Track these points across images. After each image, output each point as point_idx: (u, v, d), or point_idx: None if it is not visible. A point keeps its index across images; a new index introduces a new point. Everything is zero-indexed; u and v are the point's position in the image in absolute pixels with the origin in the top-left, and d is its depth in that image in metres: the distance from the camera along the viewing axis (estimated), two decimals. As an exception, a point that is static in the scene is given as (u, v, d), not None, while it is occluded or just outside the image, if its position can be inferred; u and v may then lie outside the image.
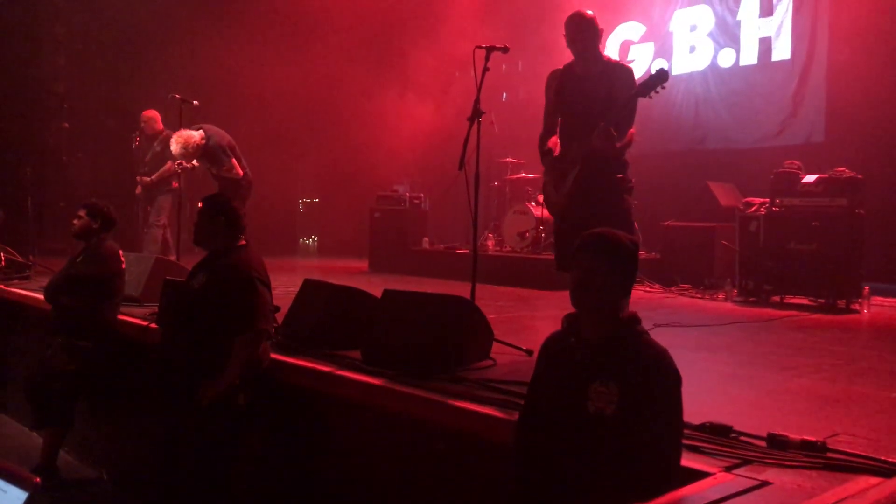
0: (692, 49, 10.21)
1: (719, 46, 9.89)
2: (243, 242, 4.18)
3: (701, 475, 2.34)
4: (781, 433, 2.57)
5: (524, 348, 4.14)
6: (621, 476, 2.22)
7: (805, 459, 2.44)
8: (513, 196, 9.96)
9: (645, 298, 7.43)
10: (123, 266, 5.38)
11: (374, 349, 3.95)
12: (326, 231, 15.69)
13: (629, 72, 4.24)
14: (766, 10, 9.42)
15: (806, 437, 2.53)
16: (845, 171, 6.90)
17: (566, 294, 2.48)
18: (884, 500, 2.19)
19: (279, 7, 11.77)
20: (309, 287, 4.74)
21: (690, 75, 10.18)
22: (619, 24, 10.83)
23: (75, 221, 5.29)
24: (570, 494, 2.34)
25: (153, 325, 4.98)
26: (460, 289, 4.42)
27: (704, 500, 2.14)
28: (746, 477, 2.32)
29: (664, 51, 10.50)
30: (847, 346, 5.18)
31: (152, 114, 8.53)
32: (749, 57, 9.62)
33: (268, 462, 4.25)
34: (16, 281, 7.29)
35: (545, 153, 4.42)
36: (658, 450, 2.24)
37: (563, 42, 4.25)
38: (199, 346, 3.94)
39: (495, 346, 4.11)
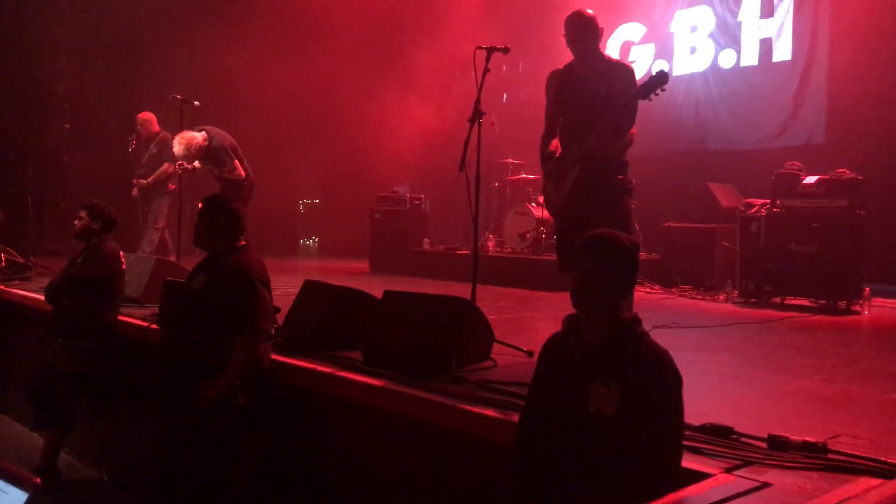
0: (693, 50, 10.21)
1: (720, 47, 9.90)
2: (243, 243, 4.18)
3: (701, 476, 2.34)
4: (782, 434, 2.57)
5: (525, 349, 4.14)
6: (622, 477, 2.22)
7: (806, 461, 2.43)
8: (513, 197, 9.97)
9: (645, 299, 7.42)
10: (124, 267, 5.38)
11: (375, 350, 3.95)
12: (327, 232, 15.70)
13: (630, 71, 4.24)
14: (767, 10, 9.43)
15: (807, 439, 2.53)
16: (846, 173, 6.90)
17: (567, 295, 2.47)
18: (885, 501, 2.19)
19: (280, 8, 11.77)
20: (309, 288, 4.74)
21: (691, 76, 10.18)
22: (620, 24, 10.83)
23: (76, 222, 5.30)
24: (570, 495, 2.34)
25: (153, 326, 4.98)
26: (461, 290, 4.42)
27: (705, 501, 2.14)
28: (747, 478, 2.32)
29: (665, 52, 10.51)
30: (848, 347, 5.18)
31: (148, 116, 8.51)
32: (750, 58, 9.62)
33: (268, 462, 4.25)
34: (16, 281, 7.29)
35: (546, 156, 4.42)
36: (658, 451, 2.24)
37: (563, 43, 4.25)
38: (200, 346, 3.94)
39: (496, 346, 4.10)
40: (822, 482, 2.29)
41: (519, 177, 10.04)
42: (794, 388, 3.72)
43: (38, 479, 1.52)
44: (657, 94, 3.90)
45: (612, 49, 10.64)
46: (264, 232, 10.36)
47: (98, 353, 5.10)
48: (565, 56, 4.34)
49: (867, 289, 6.80)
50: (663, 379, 2.28)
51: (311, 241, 17.93)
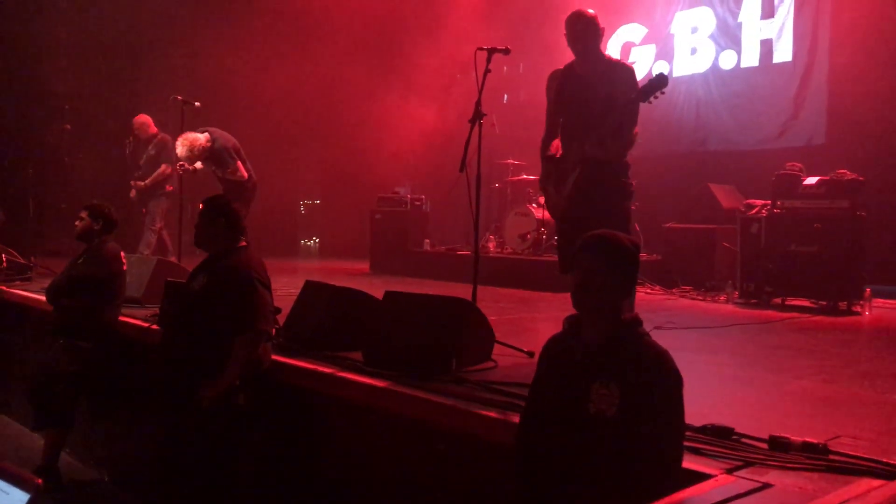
0: (693, 51, 10.21)
1: (720, 48, 9.90)
2: (244, 244, 4.18)
3: (702, 477, 2.34)
4: (783, 435, 2.57)
5: (525, 350, 4.14)
6: (622, 477, 2.22)
7: (807, 461, 2.43)
8: (514, 198, 9.97)
9: (646, 300, 7.42)
10: (125, 267, 5.38)
11: (376, 351, 3.95)
12: (328, 232, 15.69)
13: (630, 71, 4.23)
14: (768, 11, 9.43)
15: (807, 439, 2.53)
16: (846, 173, 6.90)
17: (567, 296, 2.48)
18: (886, 502, 2.19)
19: (280, 8, 11.77)
20: (310, 289, 4.74)
21: (692, 77, 10.18)
22: (621, 25, 10.83)
23: (77, 223, 5.30)
24: (571, 495, 2.34)
25: (154, 327, 4.98)
26: (461, 290, 4.43)
27: (706, 502, 2.14)
28: (748, 479, 2.32)
29: (665, 53, 10.51)
30: (848, 347, 5.18)
31: (145, 119, 8.51)
32: (750, 59, 9.62)
33: (269, 462, 4.25)
34: (17, 282, 7.30)
35: (547, 158, 4.42)
36: (659, 451, 2.24)
37: (564, 43, 4.25)
38: (200, 347, 3.94)
39: (496, 347, 4.11)
40: (823, 483, 2.29)
41: (519, 178, 10.04)
42: (795, 389, 3.72)
43: (40, 480, 1.53)
44: (656, 97, 3.90)
45: (612, 50, 10.63)
46: (265, 232, 10.36)
47: (99, 353, 5.10)
48: (566, 56, 4.34)
49: (868, 289, 6.80)
50: (664, 379, 2.28)
51: (312, 242, 17.92)
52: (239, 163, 7.10)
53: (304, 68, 10.92)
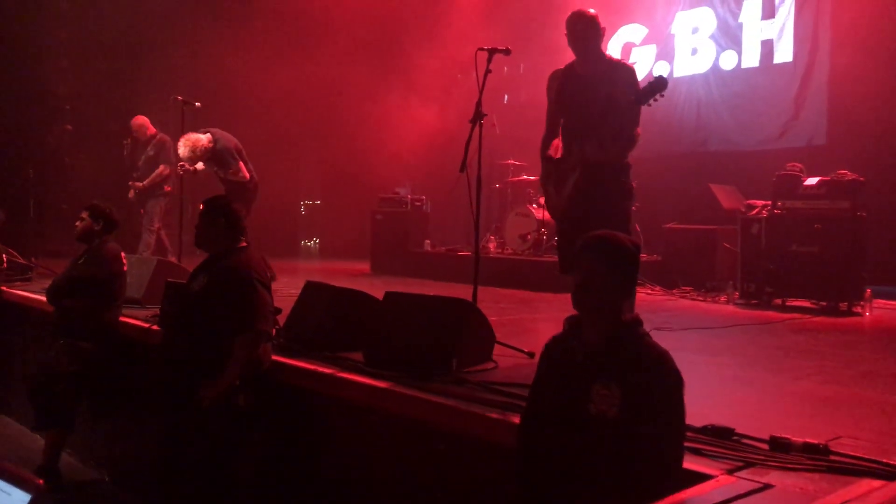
0: (694, 51, 10.21)
1: (721, 49, 9.90)
2: (244, 244, 4.19)
3: (703, 478, 2.34)
4: (784, 436, 2.57)
5: (526, 350, 4.14)
6: (623, 478, 2.22)
7: (808, 462, 2.43)
8: (514, 198, 9.96)
9: (646, 301, 7.42)
10: (125, 268, 5.39)
11: (376, 351, 3.95)
12: (328, 233, 15.69)
13: (631, 71, 4.22)
14: (768, 12, 9.43)
15: (808, 440, 2.53)
16: (847, 174, 6.90)
17: (568, 296, 2.48)
18: (887, 502, 2.19)
19: (280, 9, 11.78)
20: (311, 289, 4.74)
21: (692, 78, 10.18)
22: (621, 26, 10.83)
23: (77, 223, 5.31)
24: (571, 496, 2.34)
25: (155, 327, 4.98)
26: (462, 291, 4.43)
27: (706, 502, 2.14)
28: (748, 479, 2.31)
29: (666, 53, 10.51)
30: (849, 348, 5.17)
31: (142, 120, 8.50)
32: (751, 59, 9.62)
33: (269, 463, 4.25)
34: (18, 283, 7.30)
35: (547, 158, 4.41)
36: (659, 451, 2.24)
37: (565, 44, 4.24)
38: (200, 347, 3.95)
39: (497, 348, 4.11)
40: (824, 484, 2.29)
41: (520, 178, 10.03)
42: (796, 390, 3.72)
43: (41, 480, 1.53)
44: (656, 100, 3.89)
45: (613, 50, 10.62)
46: (265, 233, 10.34)
47: (99, 353, 5.10)
48: (567, 57, 4.33)
49: (868, 290, 6.80)
50: (664, 380, 2.28)
51: (313, 243, 17.91)
52: (241, 164, 7.11)
53: (305, 69, 10.92)
